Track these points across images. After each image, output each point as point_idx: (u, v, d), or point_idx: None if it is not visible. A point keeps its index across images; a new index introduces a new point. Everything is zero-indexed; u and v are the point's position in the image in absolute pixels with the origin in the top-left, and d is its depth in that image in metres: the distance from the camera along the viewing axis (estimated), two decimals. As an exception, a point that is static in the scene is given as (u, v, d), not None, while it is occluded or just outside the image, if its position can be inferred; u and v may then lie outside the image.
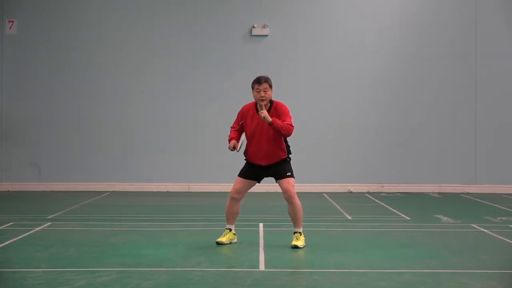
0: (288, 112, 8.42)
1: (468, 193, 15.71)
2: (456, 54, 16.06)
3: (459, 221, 10.89)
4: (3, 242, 8.59)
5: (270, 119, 8.13)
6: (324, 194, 15.28)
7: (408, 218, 11.32)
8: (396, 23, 16.08)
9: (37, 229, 9.74)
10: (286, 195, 8.37)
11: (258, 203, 13.36)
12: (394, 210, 12.43)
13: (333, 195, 15.16)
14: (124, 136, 16.02)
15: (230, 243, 8.58)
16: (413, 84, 16.09)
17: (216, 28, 16.02)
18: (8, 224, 10.11)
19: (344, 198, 14.64)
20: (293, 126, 8.35)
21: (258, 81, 8.29)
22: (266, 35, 16.00)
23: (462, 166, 16.02)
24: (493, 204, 13.44)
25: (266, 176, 8.54)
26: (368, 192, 15.77)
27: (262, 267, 7.27)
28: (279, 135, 8.30)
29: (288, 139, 8.65)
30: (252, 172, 8.47)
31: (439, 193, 15.71)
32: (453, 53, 16.06)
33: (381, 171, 16.01)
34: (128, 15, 16.09)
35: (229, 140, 8.43)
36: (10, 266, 7.22)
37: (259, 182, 8.62)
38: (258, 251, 8.16)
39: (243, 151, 8.55)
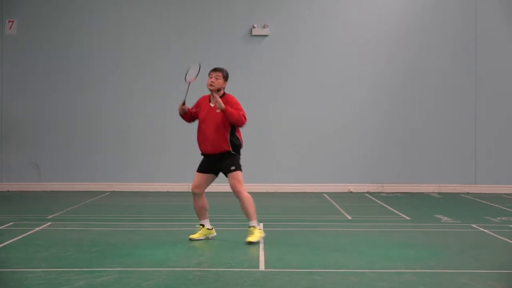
0: (239, 103, 8.73)
1: (468, 193, 15.72)
2: (456, 54, 16.07)
3: (459, 221, 10.90)
4: (3, 242, 8.59)
5: (223, 106, 8.48)
6: (324, 194, 15.29)
7: (408, 218, 11.32)
8: (396, 23, 16.08)
9: (37, 229, 9.74)
10: (233, 190, 8.65)
11: (258, 203, 13.34)
12: (394, 210, 12.43)
13: (333, 195, 15.17)
14: (124, 136, 16.03)
15: (207, 238, 8.85)
16: (413, 85, 16.09)
17: (216, 28, 16.03)
18: (8, 224, 10.11)
19: (344, 198, 14.64)
20: (246, 118, 8.67)
21: (214, 68, 8.83)
22: (266, 35, 16.01)
23: (462, 166, 16.02)
24: (493, 204, 13.44)
25: (220, 170, 8.76)
26: (368, 192, 15.77)
27: (262, 267, 7.28)
28: (226, 125, 8.59)
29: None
30: (206, 165, 8.74)
31: (439, 193, 15.72)
32: (453, 53, 16.07)
33: (381, 171, 16.01)
34: (128, 15, 16.10)
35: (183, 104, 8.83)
36: (10, 266, 7.22)
37: (216, 175, 8.83)
38: (258, 251, 8.16)
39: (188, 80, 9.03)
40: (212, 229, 8.94)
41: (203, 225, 8.88)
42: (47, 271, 6.98)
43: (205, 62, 15.77)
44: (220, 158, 8.65)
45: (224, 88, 8.76)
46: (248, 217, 8.66)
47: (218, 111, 8.58)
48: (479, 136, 16.00)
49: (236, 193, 8.61)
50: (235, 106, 8.64)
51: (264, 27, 15.94)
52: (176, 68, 16.06)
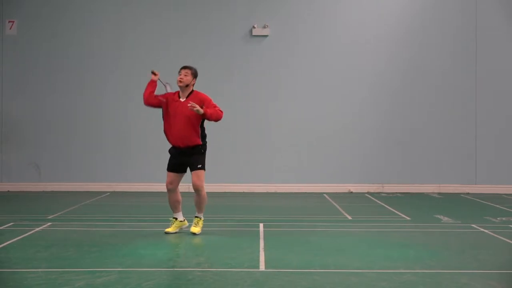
0: (210, 98, 9.18)
1: (468, 193, 15.71)
2: (456, 54, 16.06)
3: (459, 221, 10.90)
4: (3, 242, 8.60)
5: (202, 111, 8.88)
6: (324, 194, 15.29)
7: (408, 218, 11.32)
8: (396, 24, 16.08)
9: (37, 229, 9.74)
10: (194, 187, 9.15)
11: (258, 203, 13.37)
12: (394, 210, 12.43)
13: (333, 195, 15.17)
14: (124, 137, 16.03)
15: (181, 229, 9.50)
16: (413, 85, 16.09)
17: (216, 28, 16.03)
18: (8, 224, 10.12)
19: (344, 198, 14.64)
20: (222, 111, 9.16)
21: (183, 66, 9.32)
22: (267, 36, 16.00)
23: (462, 166, 16.02)
24: (493, 204, 13.44)
25: (187, 165, 9.26)
26: (368, 192, 15.77)
27: (262, 267, 7.28)
28: (197, 119, 9.03)
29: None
30: (176, 162, 9.27)
31: (439, 194, 15.72)
32: (453, 53, 16.07)
33: (381, 171, 16.01)
34: (128, 16, 16.10)
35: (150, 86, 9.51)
36: (10, 266, 7.22)
37: (185, 171, 9.35)
38: (258, 251, 8.16)
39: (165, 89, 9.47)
40: (184, 220, 9.53)
41: (176, 218, 9.46)
42: (47, 271, 6.98)
43: (205, 62, 15.97)
44: (190, 153, 9.14)
45: (193, 85, 9.21)
46: (198, 209, 9.31)
47: (189, 105, 8.89)
48: (479, 136, 16.00)
49: (196, 189, 9.14)
50: (207, 103, 9.06)
51: (264, 27, 15.94)
52: (176, 68, 15.93)
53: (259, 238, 9.06)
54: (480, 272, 7.12)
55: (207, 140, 9.34)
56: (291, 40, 16.06)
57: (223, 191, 15.35)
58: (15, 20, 15.93)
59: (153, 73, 9.47)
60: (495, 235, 9.46)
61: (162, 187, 15.93)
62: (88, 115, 16.02)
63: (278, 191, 15.82)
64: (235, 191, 15.49)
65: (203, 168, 9.19)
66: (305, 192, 15.73)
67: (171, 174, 9.33)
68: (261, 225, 10.20)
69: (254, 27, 15.93)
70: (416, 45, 16.09)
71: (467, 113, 16.04)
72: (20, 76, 16.01)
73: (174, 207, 9.49)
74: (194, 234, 9.21)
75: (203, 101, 9.05)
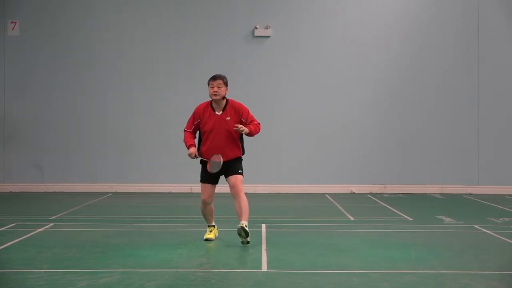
0: (249, 110, 8.76)
1: (470, 194, 15.71)
2: (458, 54, 16.06)
3: (461, 222, 10.89)
4: (6, 243, 8.60)
5: (247, 130, 8.50)
6: (327, 195, 15.28)
7: (410, 219, 11.32)
8: (397, 24, 16.09)
9: (40, 230, 9.75)
10: (233, 190, 8.64)
11: (261, 204, 13.37)
12: (396, 211, 12.42)
13: (336, 196, 15.16)
14: (126, 137, 16.04)
15: (215, 238, 9.00)
16: (415, 85, 16.09)
17: (218, 29, 16.04)
18: (11, 225, 10.13)
19: (346, 199, 14.64)
20: (259, 123, 8.74)
21: (213, 77, 8.67)
22: (269, 36, 16.01)
23: (464, 167, 16.01)
24: (496, 205, 13.43)
25: (221, 175, 8.78)
26: (370, 193, 15.77)
27: (264, 268, 7.28)
28: (236, 133, 8.62)
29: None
30: (211, 174, 8.68)
31: (441, 194, 15.71)
32: (455, 53, 16.07)
33: (383, 172, 16.01)
34: (130, 16, 16.11)
35: (188, 146, 8.73)
36: (12, 267, 7.23)
37: (217, 183, 8.86)
38: (261, 252, 8.16)
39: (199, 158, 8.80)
40: (217, 228, 9.18)
41: (214, 226, 9.06)
42: (49, 272, 6.99)
43: (207, 63, 15.99)
44: (228, 162, 8.64)
45: (226, 94, 8.68)
46: (243, 217, 8.55)
47: (228, 118, 8.57)
48: (481, 137, 15.99)
49: (237, 191, 8.60)
50: (245, 114, 8.65)
51: (266, 28, 15.95)
52: (178, 69, 16.10)
53: (261, 239, 9.06)
54: (482, 272, 7.12)
55: None
56: (293, 40, 16.06)
57: (225, 192, 15.34)
58: (17, 21, 15.96)
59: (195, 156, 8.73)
60: (497, 236, 9.45)
61: (164, 188, 16.07)
62: (90, 115, 16.04)
63: (280, 191, 15.82)
64: (227, 192, 15.47)
65: (242, 174, 8.72)
66: (307, 193, 15.73)
67: (208, 186, 8.75)
68: (263, 226, 10.20)
69: (256, 28, 15.93)
70: (417, 45, 16.08)
71: (469, 113, 16.03)
72: (22, 76, 16.02)
73: (209, 219, 9.00)
74: (245, 239, 8.50)
75: (240, 113, 8.64)
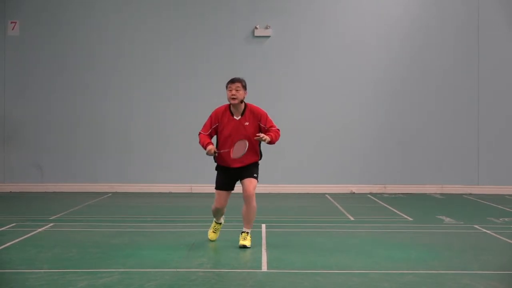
0: (267, 115, 8.53)
1: (470, 194, 15.70)
2: (458, 54, 16.06)
3: (461, 222, 10.89)
4: (6, 243, 8.60)
5: (268, 138, 8.27)
6: (327, 195, 15.28)
7: (410, 219, 11.32)
8: (398, 24, 16.08)
9: (40, 230, 9.75)
10: (246, 193, 8.39)
11: (261, 204, 13.33)
12: (396, 211, 12.43)
13: (336, 196, 15.16)
14: (126, 137, 16.04)
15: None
16: (415, 85, 16.09)
17: (218, 29, 16.04)
18: (11, 225, 10.13)
19: (346, 199, 14.64)
20: (279, 129, 8.51)
21: (232, 80, 8.45)
22: (269, 36, 16.01)
23: (464, 167, 16.01)
24: (496, 205, 13.43)
25: (236, 180, 8.59)
26: (370, 193, 15.77)
27: (264, 268, 7.28)
28: (255, 139, 8.37)
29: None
30: (228, 181, 8.54)
31: (441, 194, 15.71)
32: (455, 53, 16.07)
33: (383, 172, 16.01)
34: (130, 17, 16.11)
35: (206, 145, 8.41)
36: (12, 267, 7.23)
37: (232, 189, 8.66)
38: (261, 252, 8.17)
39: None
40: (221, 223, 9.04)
41: (220, 224, 8.95)
42: (49, 272, 6.99)
43: (207, 63, 15.99)
44: (244, 167, 8.48)
45: (244, 98, 8.46)
46: (246, 224, 8.49)
47: (246, 124, 8.38)
48: (482, 137, 15.99)
49: (249, 197, 8.37)
50: (264, 120, 8.42)
51: (266, 28, 15.95)
52: (178, 69, 16.10)
53: (261, 239, 9.06)
54: (482, 272, 7.12)
55: None
56: (293, 40, 16.06)
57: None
58: (17, 21, 15.96)
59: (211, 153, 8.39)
60: (498, 236, 9.45)
61: (164, 188, 16.08)
62: (90, 115, 16.04)
63: (280, 191, 15.82)
64: (236, 192, 15.47)
65: (257, 178, 8.49)
66: (307, 193, 15.72)
67: (223, 193, 8.54)
68: (263, 226, 10.19)
69: (256, 28, 15.93)
70: (417, 45, 16.08)
71: (469, 113, 16.03)
72: (22, 76, 16.02)
73: (218, 218, 8.88)
74: (245, 246, 8.38)
75: (259, 117, 8.42)
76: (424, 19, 16.09)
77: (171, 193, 15.80)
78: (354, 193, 15.86)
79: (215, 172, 8.71)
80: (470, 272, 7.15)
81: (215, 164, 8.68)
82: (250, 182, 8.42)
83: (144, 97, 16.10)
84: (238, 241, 8.50)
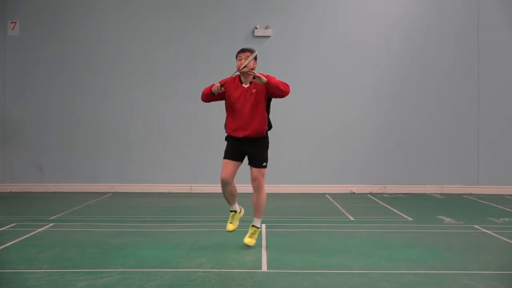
0: (275, 78, 8.36)
1: (470, 194, 15.71)
2: (458, 54, 16.06)
3: (461, 222, 10.89)
4: (6, 243, 8.61)
5: (264, 79, 8.16)
6: (326, 195, 15.28)
7: (410, 219, 11.32)
8: (398, 24, 16.09)
9: (40, 230, 9.75)
10: (255, 183, 8.39)
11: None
12: (396, 211, 12.43)
13: (335, 196, 15.17)
14: (126, 137, 16.04)
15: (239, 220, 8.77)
16: (415, 85, 16.09)
17: (218, 29, 16.04)
18: (11, 225, 10.13)
19: (346, 199, 14.64)
20: (289, 85, 8.37)
21: (242, 49, 8.49)
22: (269, 36, 16.01)
23: (464, 167, 16.01)
24: (496, 205, 13.43)
25: (248, 156, 8.49)
26: (370, 193, 15.77)
27: (264, 268, 7.28)
28: (263, 103, 8.36)
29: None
30: (236, 150, 8.45)
31: (441, 194, 15.71)
32: (455, 53, 16.06)
33: (383, 172, 16.01)
34: (130, 17, 16.11)
35: (209, 89, 8.43)
36: (12, 267, 7.23)
37: (242, 161, 8.57)
38: (261, 252, 8.17)
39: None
40: (241, 210, 8.86)
41: (235, 211, 8.75)
42: (49, 272, 6.99)
43: (207, 63, 15.98)
44: (252, 145, 8.42)
45: (254, 68, 8.40)
46: (258, 214, 8.50)
47: (254, 91, 8.31)
48: (481, 137, 15.99)
49: (258, 186, 8.39)
50: (270, 77, 8.27)
51: (266, 28, 15.95)
52: (178, 68, 16.10)
53: (261, 239, 9.06)
54: (482, 273, 7.12)
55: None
56: (293, 40, 16.06)
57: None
58: (17, 21, 15.96)
59: (217, 89, 8.37)
60: (498, 236, 9.45)
61: (164, 188, 16.08)
62: (90, 115, 16.04)
63: (280, 191, 15.82)
64: (238, 192, 15.46)
65: (266, 167, 8.47)
66: (307, 193, 15.72)
67: (230, 162, 8.42)
68: (263, 226, 10.19)
69: (256, 27, 15.93)
70: (417, 45, 16.08)
71: (469, 113, 16.03)
72: (22, 76, 16.02)
73: (231, 199, 8.67)
74: (248, 246, 8.40)
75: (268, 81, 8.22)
76: (424, 19, 16.09)
77: (171, 193, 15.80)
78: (354, 193, 15.87)
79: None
80: (470, 272, 7.15)
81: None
82: (259, 172, 8.41)
83: (144, 97, 16.10)
84: (237, 241, 8.51)
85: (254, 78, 8.19)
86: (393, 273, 7.07)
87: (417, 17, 16.10)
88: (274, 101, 16.20)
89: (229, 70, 15.89)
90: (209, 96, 8.50)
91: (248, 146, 8.44)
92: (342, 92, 16.06)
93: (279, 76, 16.25)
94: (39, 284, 6.47)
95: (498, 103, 16.04)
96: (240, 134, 8.41)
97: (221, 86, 8.39)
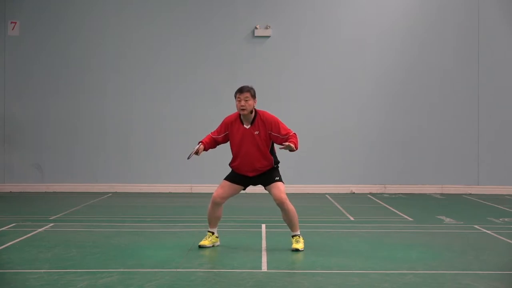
0: (280, 122, 8.32)
1: (470, 194, 15.70)
2: (458, 54, 16.05)
3: (462, 222, 10.89)
4: (6, 243, 8.60)
5: (293, 147, 8.10)
6: (327, 195, 15.28)
7: (411, 219, 11.31)
8: (398, 25, 16.08)
9: (40, 230, 9.75)
10: (278, 201, 8.23)
11: (261, 204, 13.36)
12: (397, 211, 12.42)
13: (336, 196, 15.16)
14: (126, 138, 16.04)
15: (213, 246, 8.46)
16: (415, 86, 16.08)
17: (218, 29, 16.03)
18: (11, 225, 10.12)
19: (346, 199, 14.64)
20: (296, 134, 8.34)
21: (240, 90, 8.24)
22: (269, 36, 16.00)
23: (464, 167, 16.01)
24: (496, 205, 13.43)
25: (254, 185, 8.43)
26: (370, 193, 15.76)
27: (264, 268, 7.28)
28: (267, 145, 8.26)
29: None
30: (240, 178, 8.37)
31: (442, 194, 15.70)
32: (455, 53, 16.06)
33: (383, 172, 16.00)
34: (130, 17, 16.11)
35: (199, 142, 8.43)
36: (12, 267, 7.23)
37: (244, 189, 8.49)
38: (261, 252, 8.16)
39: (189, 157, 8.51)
40: (217, 237, 8.58)
41: (212, 233, 8.50)
42: (49, 272, 6.98)
43: (207, 63, 15.99)
44: (260, 176, 8.34)
45: (254, 107, 8.26)
46: (292, 228, 8.34)
47: (256, 133, 8.20)
48: (481, 137, 15.98)
49: (281, 203, 8.21)
50: (276, 128, 8.21)
51: (266, 28, 15.94)
52: (178, 69, 16.09)
53: (261, 239, 9.06)
54: (483, 273, 7.11)
55: None
56: (293, 40, 16.06)
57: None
58: (17, 21, 15.95)
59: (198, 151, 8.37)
60: (498, 236, 9.45)
61: (164, 188, 16.07)
62: (91, 116, 16.04)
63: (280, 192, 15.79)
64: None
65: (281, 180, 8.29)
66: (307, 193, 15.72)
67: (229, 184, 8.32)
68: (263, 226, 10.20)
69: (256, 28, 15.93)
70: (417, 45, 16.08)
71: (469, 114, 16.02)
72: (23, 77, 16.02)
73: (214, 223, 8.45)
74: (297, 250, 8.19)
75: (270, 127, 8.20)
76: (424, 19, 16.08)
77: (171, 193, 15.80)
78: (354, 193, 15.86)
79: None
80: (470, 272, 7.15)
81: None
82: (276, 188, 8.25)
83: (144, 97, 16.09)
84: (237, 242, 8.50)
85: (284, 147, 8.12)
86: (393, 273, 7.06)
87: (417, 17, 16.08)
88: (274, 101, 16.24)
89: (228, 70, 15.96)
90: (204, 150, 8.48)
91: (255, 178, 8.36)
92: (342, 92, 16.06)
93: (279, 76, 16.32)
94: (39, 284, 6.46)
95: (498, 103, 16.03)
96: (250, 174, 8.31)
97: (197, 152, 8.36)
